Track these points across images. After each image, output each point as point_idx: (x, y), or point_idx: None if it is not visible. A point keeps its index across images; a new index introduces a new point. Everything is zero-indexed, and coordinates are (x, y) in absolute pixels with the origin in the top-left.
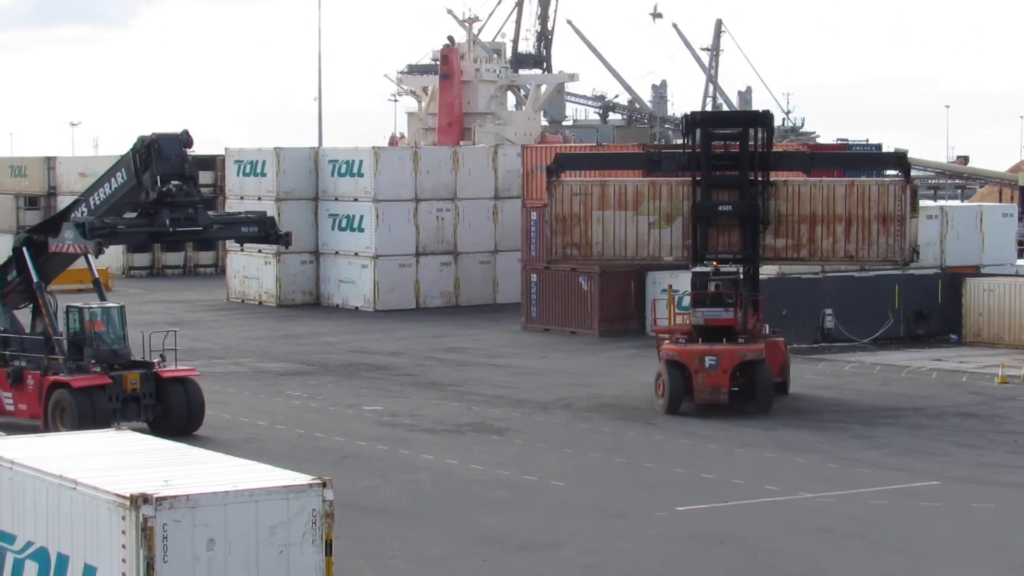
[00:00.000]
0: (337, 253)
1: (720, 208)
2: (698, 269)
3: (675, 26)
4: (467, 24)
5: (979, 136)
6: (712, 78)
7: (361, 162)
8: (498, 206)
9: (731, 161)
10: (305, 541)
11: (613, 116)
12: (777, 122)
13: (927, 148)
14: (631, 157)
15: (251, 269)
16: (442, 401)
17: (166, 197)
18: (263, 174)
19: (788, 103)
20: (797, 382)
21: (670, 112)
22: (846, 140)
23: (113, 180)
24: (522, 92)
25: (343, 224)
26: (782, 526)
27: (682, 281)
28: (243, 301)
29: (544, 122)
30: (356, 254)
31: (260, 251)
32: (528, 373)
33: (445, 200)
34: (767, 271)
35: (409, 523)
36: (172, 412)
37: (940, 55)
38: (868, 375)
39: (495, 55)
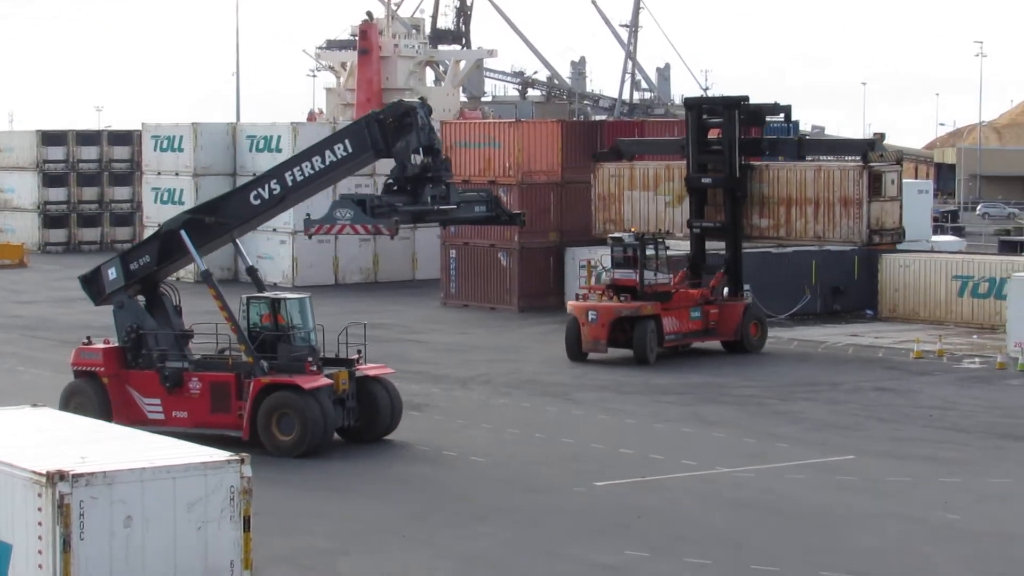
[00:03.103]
0: (255, 229)
1: (702, 180)
2: (615, 235)
3: (594, 2)
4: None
5: (896, 113)
6: (631, 55)
7: (279, 137)
8: None
9: (719, 145)
10: (223, 517)
11: (532, 92)
12: None
13: (844, 125)
14: (673, 143)
15: None
16: None
17: (426, 172)
18: (180, 149)
19: (706, 80)
20: (713, 358)
21: (589, 88)
22: None
23: (329, 153)
24: (441, 68)
25: None
26: (700, 500)
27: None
28: None
29: (463, 98)
30: (274, 230)
31: None
32: (447, 349)
33: (364, 176)
34: (684, 247)
35: (328, 499)
36: (379, 414)
37: (857, 32)
38: (786, 350)
39: (414, 31)
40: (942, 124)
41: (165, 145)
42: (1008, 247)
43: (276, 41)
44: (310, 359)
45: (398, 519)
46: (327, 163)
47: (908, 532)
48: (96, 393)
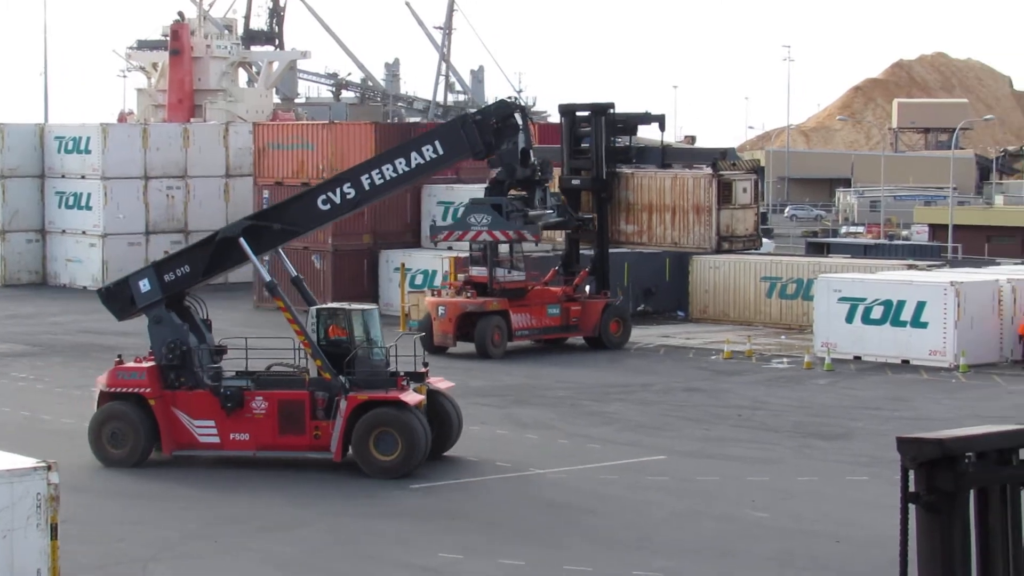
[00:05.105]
0: (64, 232)
1: (572, 182)
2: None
3: (408, 4)
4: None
5: (706, 116)
6: (445, 57)
7: (89, 139)
8: (230, 184)
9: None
10: (29, 525)
11: (346, 94)
12: None
13: (655, 128)
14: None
15: None
16: None
17: (534, 174)
18: None
19: (520, 82)
20: (527, 359)
21: (403, 90)
22: None
23: (416, 155)
24: (254, 69)
25: (70, 202)
26: (515, 502)
27: (414, 260)
28: None
29: (276, 99)
30: (84, 233)
31: None
32: (261, 353)
33: (175, 178)
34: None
35: (142, 505)
36: (450, 430)
37: (667, 36)
38: (598, 351)
39: (226, 31)
40: (751, 127)
41: None
42: (815, 249)
43: (85, 41)
44: (402, 374)
45: (214, 525)
46: (413, 166)
47: (718, 530)
48: (140, 417)
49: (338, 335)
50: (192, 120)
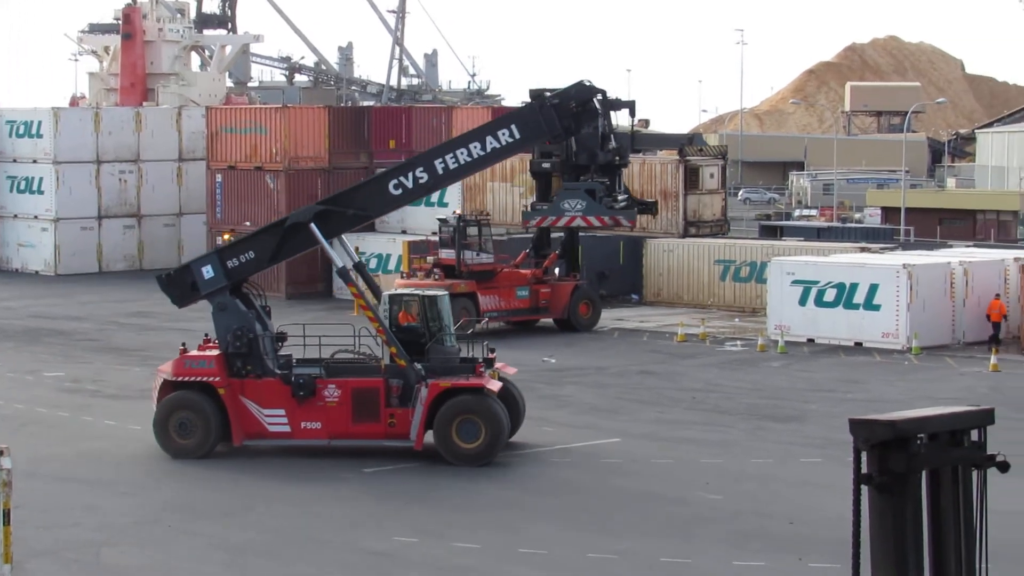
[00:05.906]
0: (16, 216)
1: (543, 165)
2: (440, 217)
3: None
4: None
5: (659, 100)
6: (398, 41)
7: (40, 123)
8: (183, 168)
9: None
10: None
11: (299, 78)
12: (462, 85)
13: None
14: None
15: None
16: (125, 366)
17: (615, 159)
18: None
19: (474, 66)
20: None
21: (356, 74)
22: None
23: (492, 139)
24: (207, 53)
25: (22, 186)
26: (468, 486)
27: (368, 244)
28: None
29: (229, 83)
30: (36, 217)
31: None
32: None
33: (128, 162)
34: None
35: (93, 491)
36: (519, 416)
37: (621, 20)
38: (552, 334)
39: (179, 15)
40: (704, 111)
41: None
42: (768, 232)
43: (37, 24)
44: (480, 360)
45: (164, 511)
46: (488, 150)
47: (672, 513)
48: (210, 407)
49: (409, 321)
50: (144, 104)
